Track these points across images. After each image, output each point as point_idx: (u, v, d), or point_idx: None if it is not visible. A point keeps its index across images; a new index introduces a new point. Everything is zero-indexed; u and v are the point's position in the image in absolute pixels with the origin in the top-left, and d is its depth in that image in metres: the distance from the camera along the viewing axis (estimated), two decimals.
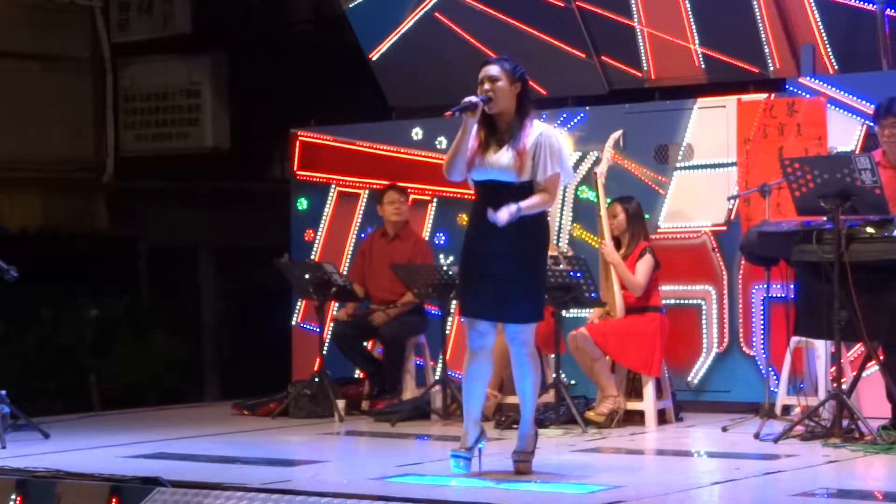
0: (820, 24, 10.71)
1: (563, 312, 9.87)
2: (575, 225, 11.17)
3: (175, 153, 15.30)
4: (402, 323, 10.86)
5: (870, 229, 8.45)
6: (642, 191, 10.74)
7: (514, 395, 8.64)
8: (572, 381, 10.34)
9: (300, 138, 12.47)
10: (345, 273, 11.23)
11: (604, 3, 11.44)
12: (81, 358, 14.54)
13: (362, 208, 12.08)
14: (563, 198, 11.16)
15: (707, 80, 11.22)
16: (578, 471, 7.71)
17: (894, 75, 10.34)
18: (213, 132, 15.25)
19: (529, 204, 7.36)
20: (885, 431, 8.44)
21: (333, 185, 12.26)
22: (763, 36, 10.90)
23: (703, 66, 11.21)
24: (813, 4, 10.71)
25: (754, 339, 10.43)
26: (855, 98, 10.15)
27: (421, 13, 12.15)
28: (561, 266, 9.57)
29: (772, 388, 9.71)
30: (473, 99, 7.41)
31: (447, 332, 10.57)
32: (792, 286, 9.05)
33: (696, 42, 11.17)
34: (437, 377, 10.65)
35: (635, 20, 11.35)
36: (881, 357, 8.63)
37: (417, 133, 11.84)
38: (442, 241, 11.65)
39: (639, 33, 11.38)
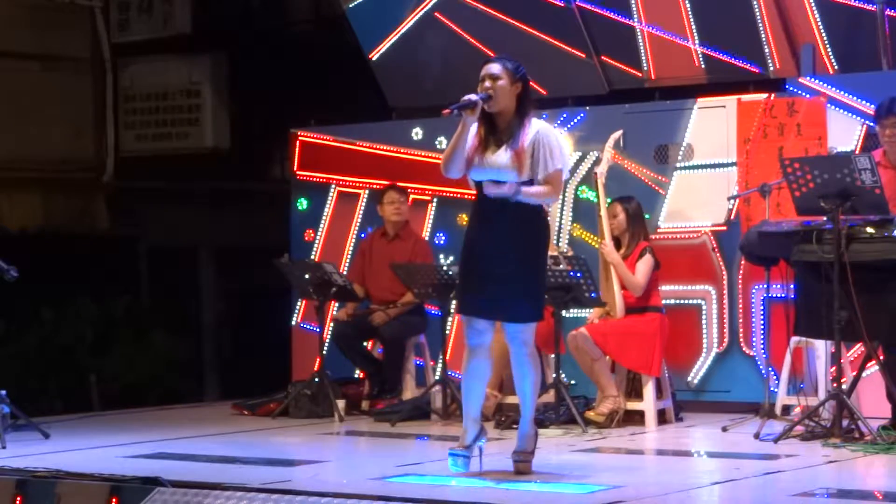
0: (820, 24, 10.71)
1: (563, 312, 9.87)
2: (575, 225, 11.17)
3: (175, 153, 15.30)
4: (402, 323, 10.86)
5: (870, 229, 8.45)
6: (642, 191, 10.74)
7: (514, 395, 8.64)
8: (572, 381, 10.34)
9: (300, 138, 12.47)
10: (345, 273, 11.22)
11: (604, 3, 11.44)
12: (81, 358, 14.54)
13: (362, 208, 12.08)
14: (563, 198, 11.16)
15: (707, 80, 11.21)
16: (578, 471, 7.71)
17: (894, 75, 10.34)
18: (213, 132, 15.25)
19: (532, 191, 7.34)
20: (885, 431, 8.44)
21: (333, 185, 12.26)
22: (763, 36, 10.90)
23: (703, 66, 11.21)
24: (813, 4, 10.71)
25: (754, 339, 10.43)
26: (855, 98, 10.15)
27: (421, 13, 12.15)
28: (561, 266, 9.57)
29: (772, 388, 9.70)
30: (473, 97, 7.41)
31: (447, 332, 10.57)
32: (792, 286, 9.05)
33: (696, 42, 11.17)
34: (437, 377, 10.65)
35: (635, 20, 11.35)
36: (881, 357, 8.63)
37: (417, 133, 11.83)
38: (442, 241, 11.65)
39: (639, 33, 11.38)
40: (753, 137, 10.44)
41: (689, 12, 11.13)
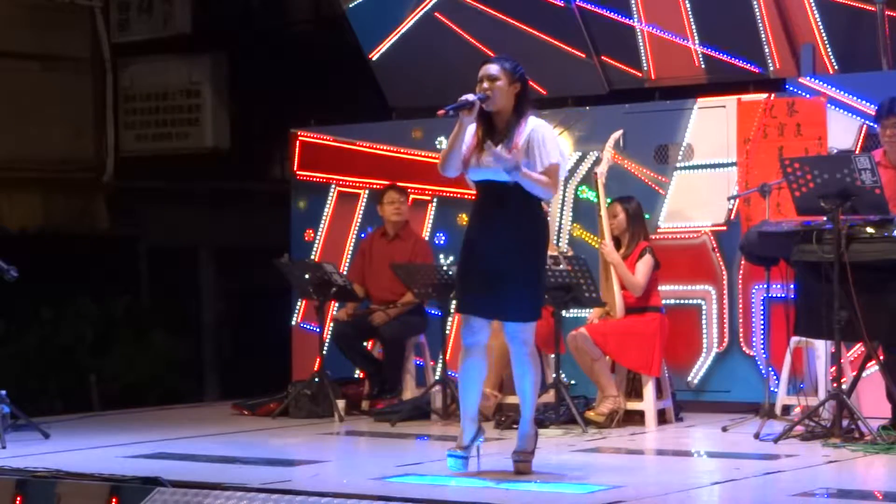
0: (820, 24, 10.71)
1: (563, 312, 9.87)
2: (575, 225, 11.17)
3: (175, 153, 15.30)
4: (402, 323, 10.86)
5: (870, 229, 8.45)
6: (642, 191, 10.74)
7: (514, 395, 8.64)
8: (572, 381, 10.34)
9: (300, 138, 12.47)
10: (345, 273, 11.22)
11: (604, 3, 11.44)
12: (81, 358, 14.55)
13: (362, 208, 12.08)
14: (563, 198, 11.16)
15: (707, 80, 11.22)
16: (578, 471, 7.70)
17: (894, 75, 10.34)
18: (213, 132, 15.25)
19: (531, 174, 7.31)
20: (885, 431, 8.44)
21: (333, 185, 12.26)
22: (763, 36, 10.90)
23: (703, 66, 11.21)
24: (813, 4, 10.71)
25: (754, 339, 10.43)
26: (855, 98, 10.15)
27: (421, 13, 12.15)
28: (561, 266, 9.57)
29: (772, 388, 9.70)
30: (470, 97, 7.40)
31: (447, 332, 10.57)
32: (792, 286, 9.05)
33: (696, 42, 11.18)
34: (437, 377, 10.65)
35: (635, 20, 11.35)
36: (881, 357, 8.63)
37: (418, 133, 11.83)
38: (442, 241, 11.65)
39: (639, 33, 11.38)
40: (753, 137, 10.44)
41: (689, 12, 11.13)
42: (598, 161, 10.59)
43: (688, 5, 11.13)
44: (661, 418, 9.90)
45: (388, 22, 12.32)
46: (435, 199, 11.71)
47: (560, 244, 10.95)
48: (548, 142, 7.41)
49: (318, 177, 12.34)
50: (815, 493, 6.94)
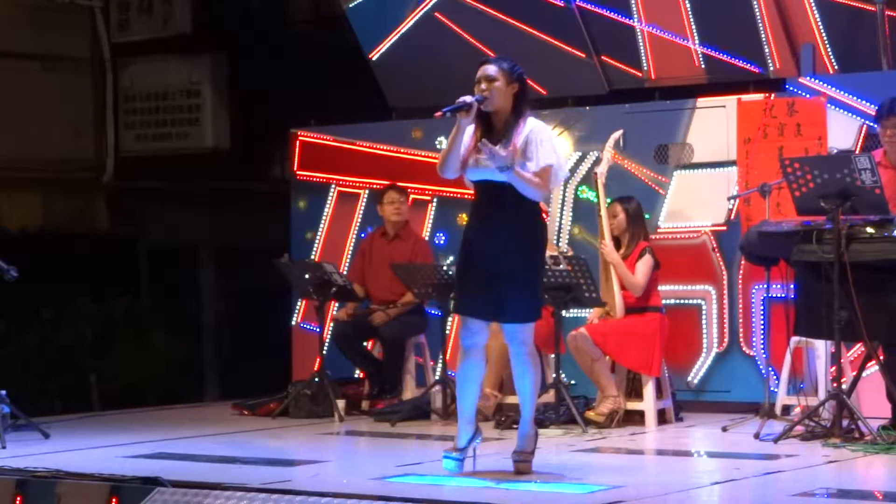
0: (820, 24, 10.71)
1: (563, 312, 9.87)
2: (575, 225, 11.17)
3: (175, 153, 15.30)
4: (402, 323, 10.86)
5: (870, 229, 8.45)
6: (642, 191, 10.74)
7: (514, 395, 8.64)
8: (572, 381, 10.34)
9: (300, 138, 12.47)
10: (345, 273, 11.22)
11: (604, 3, 11.44)
12: (81, 358, 14.55)
13: (362, 208, 12.08)
14: (563, 198, 11.17)
15: (707, 80, 11.22)
16: (578, 471, 7.70)
17: (894, 75, 10.34)
18: (213, 132, 15.25)
19: (523, 173, 7.30)
20: (885, 431, 8.44)
21: (333, 185, 12.26)
22: (763, 36, 10.90)
23: (703, 66, 11.22)
24: (813, 4, 10.71)
25: (754, 339, 10.43)
26: (855, 98, 10.15)
27: (421, 13, 12.15)
28: (561, 266, 9.57)
29: (772, 388, 9.70)
30: (468, 99, 7.40)
31: (447, 332, 10.57)
32: (792, 286, 9.05)
33: (696, 42, 11.18)
34: (437, 377, 10.65)
35: (635, 20, 11.35)
36: (881, 357, 8.63)
37: (418, 133, 11.83)
38: (442, 241, 11.65)
39: (639, 33, 11.38)
40: (753, 137, 10.44)
41: (689, 12, 11.13)
42: (598, 161, 10.59)
43: (688, 5, 11.13)
44: (661, 418, 9.90)
45: (388, 22, 12.33)
46: (435, 199, 11.71)
47: (560, 244, 10.95)
48: (545, 143, 7.40)
49: (318, 177, 12.34)
50: (815, 493, 6.94)
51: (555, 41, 11.62)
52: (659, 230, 10.78)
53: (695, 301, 10.67)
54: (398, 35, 12.31)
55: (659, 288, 10.10)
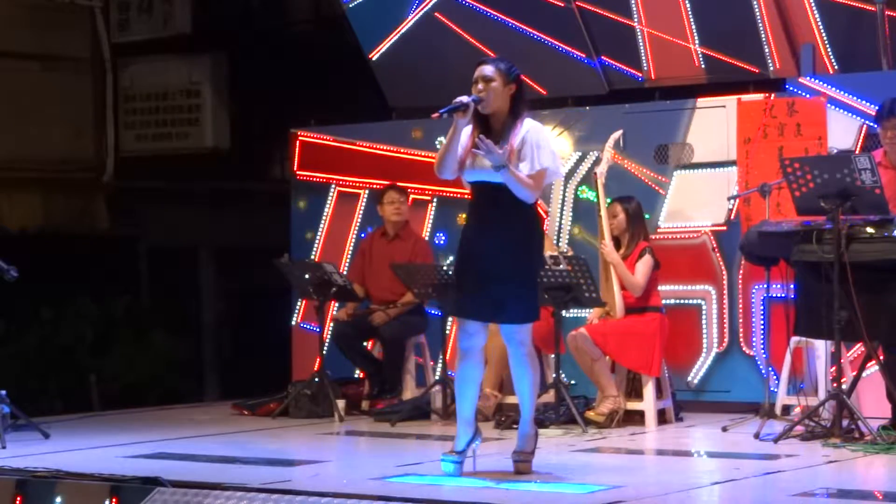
0: (820, 24, 10.71)
1: (563, 312, 9.87)
2: (575, 225, 11.17)
3: (175, 153, 15.31)
4: (402, 323, 10.86)
5: (870, 229, 8.45)
6: (642, 191, 10.74)
7: (514, 395, 8.62)
8: (572, 381, 10.34)
9: (300, 138, 12.47)
10: (345, 273, 11.22)
11: (604, 3, 11.44)
12: (81, 358, 14.55)
13: (362, 208, 12.08)
14: (564, 198, 11.17)
15: (707, 80, 11.22)
16: (578, 471, 7.70)
17: (894, 75, 10.34)
18: (213, 132, 15.26)
19: (517, 173, 7.29)
20: (885, 431, 8.44)
21: (333, 185, 12.26)
22: (763, 36, 10.90)
23: (703, 66, 11.22)
24: (813, 4, 10.71)
25: (754, 339, 10.43)
26: (855, 98, 10.15)
27: (421, 13, 12.15)
28: (561, 266, 9.57)
29: (772, 388, 9.70)
30: (465, 99, 7.39)
31: (447, 332, 10.56)
32: (792, 286, 9.05)
33: (696, 42, 11.18)
34: (437, 377, 10.65)
35: (635, 20, 11.35)
36: (881, 357, 8.63)
37: (418, 133, 11.83)
38: (442, 241, 11.65)
39: (639, 33, 11.38)
40: (753, 137, 10.44)
41: (689, 12, 11.13)
42: (598, 161, 10.59)
43: (688, 6, 11.13)
44: (661, 418, 9.90)
45: (388, 22, 12.33)
46: (435, 199, 11.71)
47: (560, 244, 10.95)
48: (541, 145, 7.39)
49: (318, 177, 12.34)
50: (815, 493, 6.93)
51: (555, 41, 11.62)
52: (659, 230, 10.78)
53: (695, 301, 10.67)
54: (398, 35, 12.31)
55: (659, 288, 10.09)
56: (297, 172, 12.48)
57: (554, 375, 9.71)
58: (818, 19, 10.71)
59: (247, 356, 14.75)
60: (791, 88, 10.48)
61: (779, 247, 8.88)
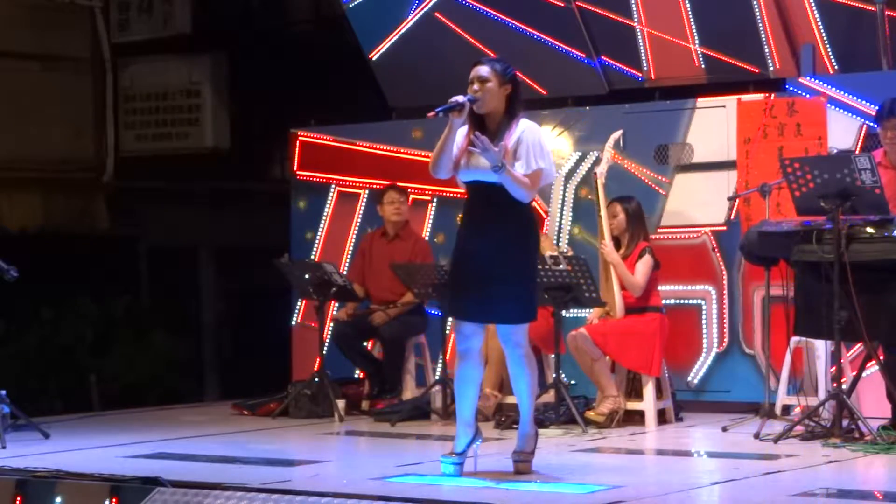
0: (820, 24, 10.71)
1: (563, 312, 9.87)
2: (575, 225, 11.17)
3: (175, 153, 15.31)
4: (402, 323, 10.86)
5: (870, 229, 8.45)
6: (642, 191, 10.74)
7: (514, 394, 8.63)
8: (572, 381, 10.34)
9: (300, 138, 12.47)
10: (345, 273, 11.22)
11: (604, 3, 11.44)
12: (81, 358, 14.55)
13: (362, 208, 12.08)
14: (564, 198, 11.17)
15: (707, 80, 11.22)
16: (578, 471, 7.70)
17: (894, 75, 10.34)
18: (213, 132, 15.26)
19: (514, 173, 7.28)
20: (885, 431, 8.44)
21: (333, 185, 12.26)
22: (763, 36, 10.90)
23: (703, 66, 11.22)
24: (813, 4, 10.71)
25: (754, 339, 10.42)
26: (855, 98, 10.15)
27: (421, 13, 12.15)
28: (561, 266, 9.57)
29: (772, 388, 9.70)
30: (460, 99, 7.39)
31: (447, 332, 10.56)
32: (792, 286, 9.04)
33: (696, 42, 11.18)
34: (437, 377, 10.65)
35: (635, 20, 11.35)
36: (881, 357, 8.63)
37: (418, 133, 11.84)
38: (442, 241, 11.64)
39: (639, 33, 11.38)
40: (753, 137, 10.44)
41: (689, 12, 11.13)
42: (597, 161, 10.59)
43: (688, 6, 11.13)
44: (661, 418, 9.90)
45: (388, 22, 12.33)
46: (435, 199, 11.71)
47: (560, 244, 10.95)
48: (537, 146, 7.38)
49: (318, 177, 12.35)
50: (815, 493, 6.93)
51: (555, 41, 11.62)
52: (659, 230, 10.78)
53: (695, 301, 10.67)
54: (398, 35, 12.31)
55: (659, 288, 10.09)
56: (297, 172, 12.48)
57: (554, 375, 9.71)
58: (818, 19, 10.71)
59: (247, 356, 14.76)
60: (791, 88, 10.48)
61: (779, 247, 8.88)
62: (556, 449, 8.65)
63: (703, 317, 10.64)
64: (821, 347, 9.41)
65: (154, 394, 14.21)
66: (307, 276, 10.77)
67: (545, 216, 11.22)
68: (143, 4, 15.37)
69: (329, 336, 11.28)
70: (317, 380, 10.61)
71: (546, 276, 9.49)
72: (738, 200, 10.38)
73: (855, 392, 8.97)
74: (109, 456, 8.55)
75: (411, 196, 11.39)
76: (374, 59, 12.50)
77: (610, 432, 9.46)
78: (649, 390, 9.81)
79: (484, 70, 7.43)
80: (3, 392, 9.16)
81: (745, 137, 10.48)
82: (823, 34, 10.72)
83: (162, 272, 15.58)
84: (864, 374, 9.04)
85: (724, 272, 10.61)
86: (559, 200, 11.15)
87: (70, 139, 15.40)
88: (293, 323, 12.28)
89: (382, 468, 7.81)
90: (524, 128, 7.42)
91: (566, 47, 11.60)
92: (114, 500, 7.24)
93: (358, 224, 12.07)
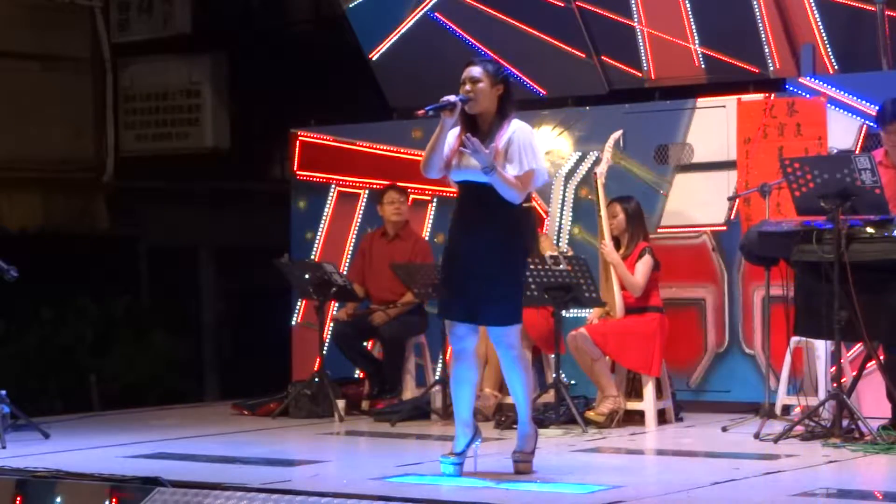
0: (820, 24, 10.71)
1: (563, 312, 9.87)
2: (575, 225, 11.17)
3: (175, 153, 15.31)
4: (402, 323, 10.86)
5: (870, 229, 8.45)
6: (642, 191, 10.74)
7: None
8: (572, 381, 10.34)
9: (300, 138, 12.47)
10: (345, 273, 11.22)
11: (604, 3, 11.43)
12: (81, 358, 14.55)
13: (362, 208, 12.08)
14: (563, 198, 11.17)
15: (707, 80, 11.22)
16: (578, 471, 7.70)
17: (894, 75, 10.34)
18: (213, 132, 15.26)
19: (504, 174, 7.27)
20: (885, 431, 8.44)
21: (333, 185, 12.26)
22: (763, 36, 10.90)
23: (703, 66, 11.21)
24: (813, 4, 10.71)
25: (754, 339, 10.42)
26: (855, 98, 10.15)
27: (421, 13, 12.15)
28: (561, 266, 9.57)
29: (772, 388, 9.70)
30: (452, 98, 7.38)
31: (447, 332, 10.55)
32: (792, 286, 9.04)
33: (696, 42, 11.17)
34: (437, 377, 10.66)
35: (635, 20, 11.35)
36: (881, 357, 8.63)
37: (418, 133, 11.84)
38: (442, 241, 11.64)
39: (639, 33, 11.38)
40: (753, 137, 10.44)
41: (689, 12, 11.13)
42: (597, 161, 10.59)
43: (688, 5, 11.13)
44: (661, 418, 9.90)
45: (388, 22, 12.33)
46: (435, 199, 11.71)
47: (560, 244, 10.95)
48: (529, 146, 7.36)
49: (318, 177, 12.35)
50: (815, 493, 6.93)
51: (555, 41, 11.62)
52: (659, 230, 10.77)
53: (695, 301, 10.67)
54: (398, 35, 12.31)
55: (659, 288, 10.09)
56: (297, 172, 12.48)
57: (554, 375, 9.71)
58: (818, 19, 10.71)
59: (247, 356, 14.75)
60: (791, 88, 10.48)
61: (779, 247, 8.88)
62: (556, 449, 8.65)
63: (703, 317, 10.64)
64: (821, 347, 9.41)
65: (154, 394, 14.21)
66: (307, 276, 10.77)
67: (545, 216, 11.22)
68: (143, 4, 15.37)
69: (329, 336, 11.28)
70: (317, 380, 10.62)
71: (546, 276, 9.49)
72: (738, 200, 10.38)
73: (855, 392, 8.98)
74: (109, 456, 8.56)
75: (411, 196, 11.39)
76: (374, 59, 12.50)
77: (610, 432, 9.46)
78: (649, 390, 9.81)
79: (476, 70, 7.43)
80: (3, 392, 9.16)
81: (745, 137, 10.48)
82: (823, 34, 10.72)
83: (162, 272, 15.57)
84: (864, 374, 9.04)
85: (724, 272, 10.61)
86: (559, 200, 11.15)
87: (70, 139, 15.40)
88: (293, 323, 12.28)
89: (382, 468, 7.81)
90: (515, 128, 7.41)
91: (566, 47, 11.60)
92: (114, 500, 7.24)
93: (358, 224, 12.07)
